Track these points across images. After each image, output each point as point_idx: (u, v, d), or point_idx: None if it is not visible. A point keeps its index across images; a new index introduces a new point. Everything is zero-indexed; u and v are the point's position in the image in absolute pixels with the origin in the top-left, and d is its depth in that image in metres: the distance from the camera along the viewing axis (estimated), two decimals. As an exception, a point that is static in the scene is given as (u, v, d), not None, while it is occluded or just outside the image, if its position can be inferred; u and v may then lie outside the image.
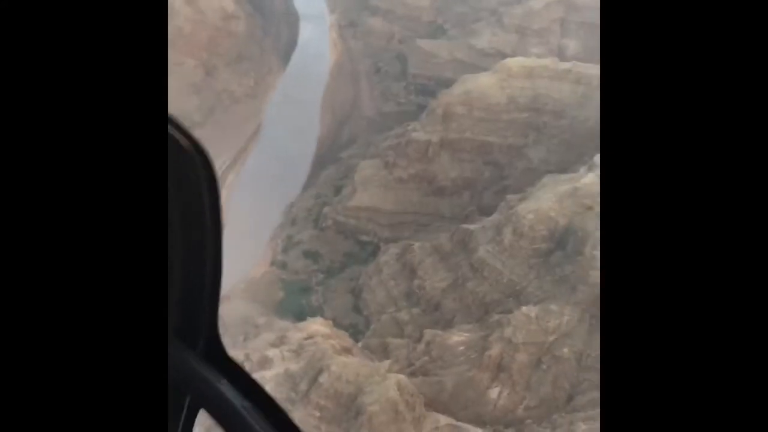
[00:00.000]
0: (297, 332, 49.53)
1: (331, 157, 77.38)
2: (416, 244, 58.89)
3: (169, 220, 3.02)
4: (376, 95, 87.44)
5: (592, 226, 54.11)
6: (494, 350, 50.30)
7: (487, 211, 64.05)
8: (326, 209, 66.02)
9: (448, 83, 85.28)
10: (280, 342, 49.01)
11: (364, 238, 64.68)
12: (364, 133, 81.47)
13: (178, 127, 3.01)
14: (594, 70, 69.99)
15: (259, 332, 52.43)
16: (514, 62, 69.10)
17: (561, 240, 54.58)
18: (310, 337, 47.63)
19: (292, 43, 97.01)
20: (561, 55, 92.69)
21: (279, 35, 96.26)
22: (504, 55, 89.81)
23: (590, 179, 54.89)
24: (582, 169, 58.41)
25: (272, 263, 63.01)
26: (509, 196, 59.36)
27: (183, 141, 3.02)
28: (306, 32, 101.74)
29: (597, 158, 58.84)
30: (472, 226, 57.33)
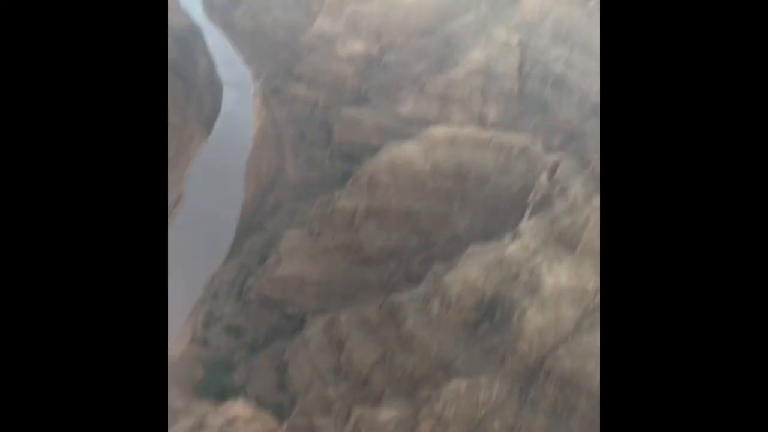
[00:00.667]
0: (217, 417, 46.64)
1: (256, 226, 75.26)
2: (343, 317, 57.04)
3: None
4: (301, 162, 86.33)
5: (518, 294, 53.49)
6: (424, 427, 48.48)
7: (414, 280, 62.83)
8: (250, 280, 63.63)
9: (372, 150, 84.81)
10: (198, 428, 45.99)
11: (290, 310, 62.39)
12: (289, 200, 79.88)
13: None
14: (515, 138, 70.80)
15: (177, 418, 49.19)
16: (438, 131, 69.27)
17: (488, 310, 53.68)
18: (230, 422, 44.87)
19: (215, 111, 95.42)
20: (482, 121, 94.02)
21: (202, 103, 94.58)
22: (427, 122, 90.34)
23: (515, 248, 54.52)
24: (507, 237, 58.12)
25: (192, 340, 59.94)
26: (436, 266, 58.42)
27: None
28: (230, 99, 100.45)
29: (521, 225, 58.79)
30: (399, 297, 55.98)
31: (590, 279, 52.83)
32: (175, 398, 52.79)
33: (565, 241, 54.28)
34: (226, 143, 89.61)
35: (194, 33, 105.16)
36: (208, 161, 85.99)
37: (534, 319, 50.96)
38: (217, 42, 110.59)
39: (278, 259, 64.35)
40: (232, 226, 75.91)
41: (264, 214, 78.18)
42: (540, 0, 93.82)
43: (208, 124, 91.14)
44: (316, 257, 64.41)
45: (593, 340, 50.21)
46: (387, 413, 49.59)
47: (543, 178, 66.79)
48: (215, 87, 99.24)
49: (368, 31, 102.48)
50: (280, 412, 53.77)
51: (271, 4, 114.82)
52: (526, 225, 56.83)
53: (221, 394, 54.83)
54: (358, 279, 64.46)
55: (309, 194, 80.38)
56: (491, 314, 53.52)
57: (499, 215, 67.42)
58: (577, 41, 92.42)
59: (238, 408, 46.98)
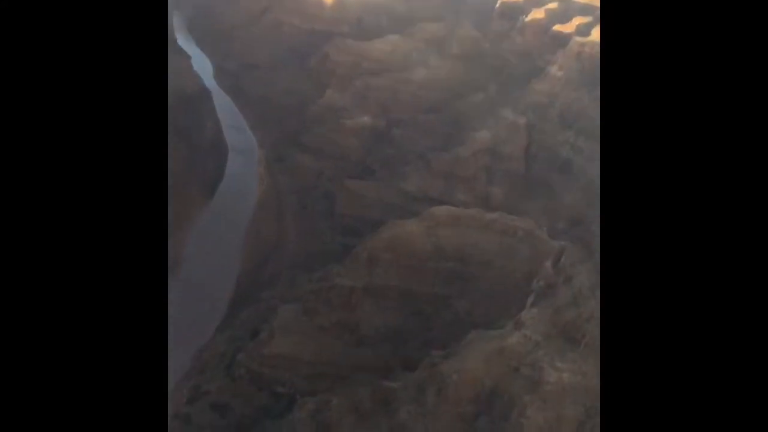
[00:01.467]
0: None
1: (251, 297, 72.87)
2: (334, 401, 54.15)
3: None
4: (301, 233, 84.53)
5: (519, 389, 50.75)
6: None
7: (410, 366, 60.17)
8: (240, 356, 60.90)
9: (374, 225, 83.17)
10: None
11: (280, 389, 59.47)
12: (286, 272, 77.67)
13: None
14: (520, 222, 69.14)
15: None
16: (441, 211, 67.63)
17: (487, 404, 50.91)
18: None
19: (218, 176, 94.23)
20: (487, 202, 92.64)
21: (206, 167, 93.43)
22: (431, 199, 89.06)
23: (517, 339, 52.08)
24: (508, 326, 55.71)
25: (175, 415, 56.82)
26: (434, 352, 55.86)
27: None
28: (235, 165, 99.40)
29: (524, 314, 56.48)
30: (394, 384, 53.22)
31: (594, 377, 50.21)
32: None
33: (568, 335, 51.88)
34: (227, 209, 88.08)
35: (203, 97, 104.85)
36: (207, 227, 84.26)
37: (535, 417, 48.11)
38: (226, 107, 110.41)
39: (271, 334, 61.76)
40: (226, 296, 73.61)
41: (260, 285, 75.85)
42: (549, 84, 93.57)
43: (211, 189, 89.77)
44: (310, 335, 61.80)
45: (596, 443, 47.30)
46: None
47: (548, 264, 64.77)
48: (220, 152, 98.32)
49: (376, 104, 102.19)
50: (261, 502, 50.41)
51: (282, 74, 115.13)
52: (529, 315, 54.52)
53: (201, 478, 51.56)
54: (352, 361, 61.68)
55: (307, 266, 78.23)
56: (490, 408, 50.67)
57: (501, 301, 65.11)
58: (584, 127, 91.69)
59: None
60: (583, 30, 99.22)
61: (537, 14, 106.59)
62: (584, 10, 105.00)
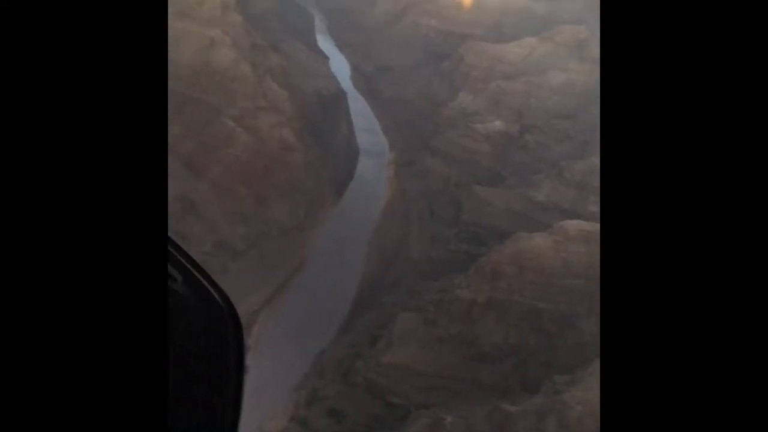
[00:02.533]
0: None
1: (372, 302, 72.14)
2: (449, 419, 52.18)
3: (195, 366, 3.10)
4: (426, 239, 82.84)
5: (647, 426, 46.81)
6: None
7: (530, 387, 57.21)
8: (358, 363, 60.15)
9: (501, 234, 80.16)
10: None
11: (395, 400, 58.22)
12: (408, 278, 76.34)
13: (209, 278, 3.15)
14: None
15: None
16: (572, 225, 63.79)
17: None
18: None
19: (348, 178, 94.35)
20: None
21: (337, 169, 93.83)
22: (562, 210, 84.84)
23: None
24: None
25: (292, 418, 56.93)
26: (557, 377, 52.64)
27: (213, 292, 3.14)
28: (366, 168, 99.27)
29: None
30: (512, 408, 50.51)
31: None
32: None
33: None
34: (355, 211, 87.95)
35: (338, 98, 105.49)
36: (335, 228, 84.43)
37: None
38: (361, 109, 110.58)
39: (390, 343, 60.58)
40: (349, 299, 73.28)
41: (382, 290, 75.00)
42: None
43: (340, 190, 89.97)
44: (428, 346, 60.10)
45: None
46: None
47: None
48: (352, 153, 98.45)
49: (510, 109, 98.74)
50: None
51: (416, 76, 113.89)
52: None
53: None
54: (469, 376, 59.43)
55: (430, 274, 76.55)
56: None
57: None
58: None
59: None
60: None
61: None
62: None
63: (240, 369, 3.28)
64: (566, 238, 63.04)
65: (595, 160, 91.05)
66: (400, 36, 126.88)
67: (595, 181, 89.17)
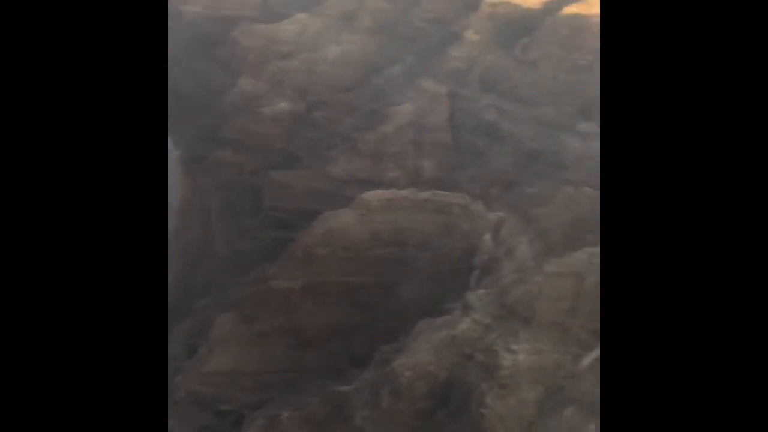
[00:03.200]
0: None
1: (184, 309, 68.28)
2: (285, 414, 50.60)
3: None
4: (230, 233, 79.75)
5: (474, 378, 48.16)
6: None
7: (359, 363, 56.99)
8: (178, 378, 56.56)
9: (305, 215, 79.09)
10: None
11: (225, 407, 55.59)
12: (218, 277, 73.16)
13: None
14: (455, 197, 66.20)
15: None
16: (373, 196, 63.93)
17: (443, 397, 48.19)
18: None
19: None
20: (418, 176, 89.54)
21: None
22: (361, 181, 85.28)
23: (467, 325, 49.30)
24: (456, 311, 52.95)
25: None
26: (383, 347, 52.73)
27: None
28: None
29: (471, 298, 53.76)
30: (345, 388, 49.94)
31: (549, 355, 47.95)
32: None
33: (518, 314, 49.38)
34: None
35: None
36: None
37: (494, 406, 45.61)
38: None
39: (209, 350, 57.52)
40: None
41: (193, 294, 71.27)
42: (466, 49, 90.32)
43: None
44: (251, 344, 57.84)
45: (560, 424, 45.16)
46: None
47: (487, 238, 62.25)
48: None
49: (293, 88, 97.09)
50: None
51: (189, 67, 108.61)
52: (475, 296, 51.81)
53: None
54: (298, 364, 58.08)
55: (241, 268, 73.76)
56: (446, 402, 47.97)
57: (445, 281, 62.29)
58: (506, 89, 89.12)
59: None
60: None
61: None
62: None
63: None
64: (370, 209, 63.12)
65: (386, 127, 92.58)
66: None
67: (389, 148, 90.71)
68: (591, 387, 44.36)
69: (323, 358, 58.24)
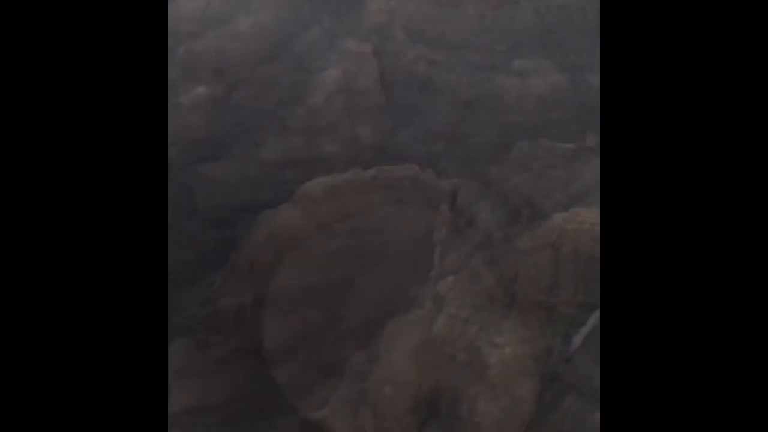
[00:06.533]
0: None
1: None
2: (260, 451, 44.63)
3: None
4: (168, 242, 71.82)
5: (461, 381, 42.63)
6: None
7: (330, 371, 51.08)
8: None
9: (244, 208, 71.79)
10: None
11: (195, 448, 49.22)
12: (169, 294, 65.59)
13: None
14: (402, 171, 59.56)
15: None
16: (314, 186, 56.63)
17: (430, 406, 42.67)
18: None
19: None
20: (357, 146, 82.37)
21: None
22: (297, 162, 77.79)
23: (443, 321, 43.47)
24: (427, 303, 47.02)
25: None
26: (354, 357, 46.70)
27: None
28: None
29: (439, 286, 47.91)
30: (321, 413, 43.98)
31: (538, 341, 42.60)
32: None
33: (497, 301, 43.73)
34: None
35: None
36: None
37: (488, 409, 40.27)
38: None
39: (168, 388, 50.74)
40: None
41: (139, 319, 63.77)
42: (384, 1, 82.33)
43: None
44: (211, 374, 51.22)
45: (563, 417, 40.18)
46: None
47: (444, 208, 56.12)
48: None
49: (208, 70, 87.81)
50: None
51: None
52: (447, 286, 45.86)
53: None
54: (266, 386, 51.85)
55: (186, 279, 66.43)
56: (435, 412, 42.47)
57: (407, 264, 56.30)
58: (433, 36, 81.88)
59: None
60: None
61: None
62: None
63: None
64: (313, 200, 56.11)
65: (314, 98, 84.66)
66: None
67: (321, 121, 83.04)
68: (588, 369, 39.22)
69: (291, 373, 52.07)
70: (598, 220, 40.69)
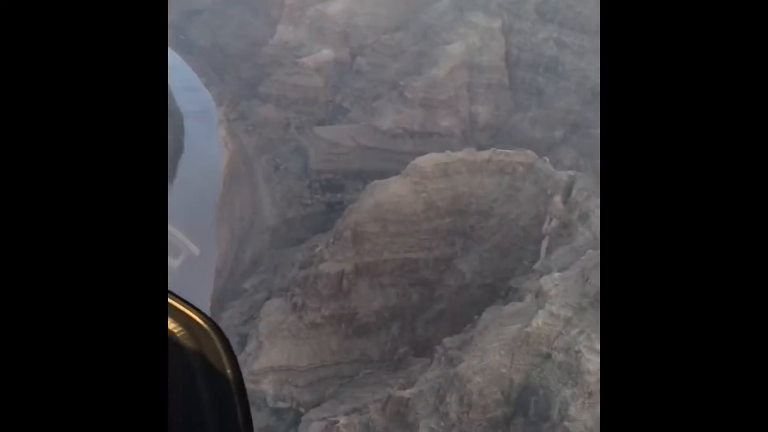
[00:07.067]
0: None
1: (233, 290, 62.24)
2: (341, 420, 44.43)
3: (201, 400, 3.20)
4: (278, 199, 72.80)
5: (555, 381, 40.74)
6: None
7: (421, 350, 50.27)
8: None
9: (355, 175, 71.66)
10: None
11: (281, 405, 49.83)
12: (268, 249, 66.66)
13: (197, 310, 3.22)
14: (518, 156, 57.27)
15: None
16: (427, 161, 55.43)
17: (519, 402, 41.07)
18: None
19: (177, 149, 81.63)
20: (473, 123, 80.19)
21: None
22: (412, 133, 76.66)
23: (543, 319, 41.52)
24: (528, 296, 45.12)
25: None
26: (446, 340, 45.58)
27: (202, 323, 3.20)
28: (193, 132, 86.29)
29: (543, 281, 45.79)
30: (407, 393, 43.24)
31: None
32: None
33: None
34: (191, 187, 75.99)
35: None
36: (172, 213, 72.64)
37: (580, 418, 38.27)
38: (174, 64, 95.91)
39: (259, 344, 51.49)
40: (207, 292, 62.89)
41: (243, 272, 65.06)
42: (520, -24, 79.01)
43: (171, 165, 77.43)
44: (303, 337, 51.53)
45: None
46: None
47: (557, 200, 53.60)
48: (174, 120, 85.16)
49: (335, 33, 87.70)
50: None
51: (227, 14, 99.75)
52: (551, 281, 43.77)
53: None
54: (355, 354, 51.61)
55: (290, 238, 67.18)
56: (524, 408, 40.84)
57: (511, 252, 54.36)
58: (567, 18, 78.02)
59: None
60: None
61: None
62: None
63: (243, 396, 3.21)
64: (423, 176, 54.89)
65: (436, 71, 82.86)
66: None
67: (440, 94, 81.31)
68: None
69: (382, 345, 51.65)
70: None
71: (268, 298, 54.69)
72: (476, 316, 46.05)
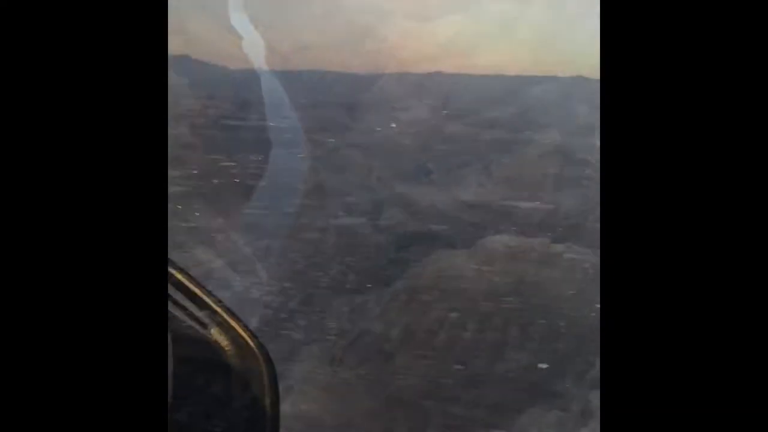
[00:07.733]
0: None
1: (278, 326, 61.89)
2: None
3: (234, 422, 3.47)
4: (343, 242, 72.62)
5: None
6: None
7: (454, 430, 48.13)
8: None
9: (423, 237, 70.83)
10: None
11: (296, 455, 48.43)
12: (321, 294, 66.13)
13: (249, 330, 3.43)
14: (590, 257, 55.20)
15: None
16: (496, 243, 54.12)
17: None
18: None
19: (260, 171, 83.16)
20: (555, 212, 78.50)
21: (246, 162, 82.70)
22: (490, 209, 75.54)
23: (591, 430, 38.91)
24: (573, 407, 42.49)
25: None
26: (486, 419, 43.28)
27: (249, 340, 3.44)
28: (280, 159, 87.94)
29: (592, 396, 43.16)
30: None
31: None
32: None
33: None
34: (267, 215, 76.93)
35: (251, 82, 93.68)
36: (241, 235, 73.51)
37: None
38: (275, 91, 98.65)
39: (289, 387, 50.46)
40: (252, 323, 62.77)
41: (293, 307, 64.71)
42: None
43: (247, 190, 78.69)
44: (334, 391, 50.25)
45: None
46: None
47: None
48: (262, 142, 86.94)
49: (436, 94, 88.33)
50: None
51: (335, 55, 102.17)
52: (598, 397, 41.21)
53: None
54: (383, 423, 49.91)
55: (344, 287, 66.63)
56: None
57: (565, 352, 51.94)
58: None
59: None
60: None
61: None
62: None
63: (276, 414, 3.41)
64: (491, 256, 53.32)
65: (528, 152, 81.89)
66: (318, 10, 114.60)
67: (527, 177, 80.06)
68: None
69: (413, 419, 49.70)
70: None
71: (308, 343, 53.83)
72: (514, 413, 43.76)
